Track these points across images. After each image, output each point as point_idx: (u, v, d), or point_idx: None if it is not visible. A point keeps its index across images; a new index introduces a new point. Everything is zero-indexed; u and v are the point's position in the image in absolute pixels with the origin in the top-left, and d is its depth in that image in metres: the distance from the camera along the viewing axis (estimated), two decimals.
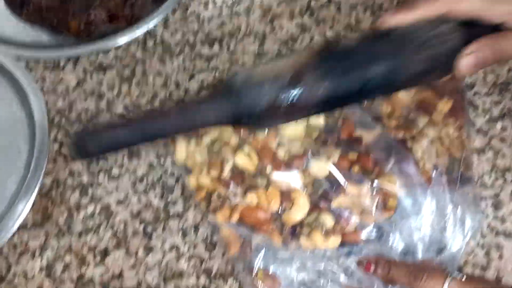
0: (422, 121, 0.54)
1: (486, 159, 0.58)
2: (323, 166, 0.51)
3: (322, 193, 0.51)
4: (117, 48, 0.64)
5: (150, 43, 0.64)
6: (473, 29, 0.46)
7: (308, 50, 0.45)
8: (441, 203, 0.51)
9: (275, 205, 0.50)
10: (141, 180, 0.57)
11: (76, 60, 0.64)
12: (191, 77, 0.63)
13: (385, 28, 0.46)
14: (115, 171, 0.58)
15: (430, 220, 0.51)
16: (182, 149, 0.54)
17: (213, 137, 0.53)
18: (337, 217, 0.50)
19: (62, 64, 0.63)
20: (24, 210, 0.54)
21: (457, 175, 0.52)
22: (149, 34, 0.65)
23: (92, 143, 0.42)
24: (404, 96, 0.56)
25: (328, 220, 0.50)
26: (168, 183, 0.57)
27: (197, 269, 0.53)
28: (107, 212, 0.56)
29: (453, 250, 0.51)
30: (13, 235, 0.54)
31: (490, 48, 0.44)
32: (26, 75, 0.61)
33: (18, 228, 0.54)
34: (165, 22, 0.65)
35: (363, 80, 0.44)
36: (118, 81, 0.62)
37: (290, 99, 0.42)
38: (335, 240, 0.50)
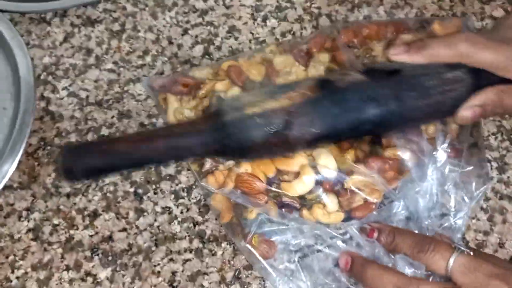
0: None
1: (492, 120, 0.56)
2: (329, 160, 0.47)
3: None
4: (106, 0, 0.60)
5: None
6: (483, 76, 0.44)
7: (303, 86, 0.43)
8: (446, 167, 0.49)
9: (269, 173, 0.47)
10: None
11: (63, 13, 0.60)
12: (185, 32, 0.59)
13: (395, 61, 0.44)
14: (105, 131, 0.55)
15: (435, 185, 0.49)
16: (175, 109, 0.51)
17: (206, 90, 0.51)
18: (343, 194, 0.47)
19: (48, 17, 0.60)
20: (9, 170, 0.52)
21: (465, 139, 0.50)
22: None
23: (77, 168, 0.39)
24: None
25: (331, 204, 0.47)
26: None
27: (190, 232, 0.51)
28: None
29: (458, 215, 0.49)
30: None
31: (494, 103, 0.44)
32: (11, 29, 0.57)
33: (4, 189, 0.52)
34: None
35: (356, 123, 0.42)
36: (107, 36, 0.59)
37: (280, 139, 0.41)
38: (338, 216, 0.47)
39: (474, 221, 0.52)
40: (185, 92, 0.52)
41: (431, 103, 0.43)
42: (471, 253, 0.43)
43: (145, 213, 0.52)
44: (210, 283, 0.50)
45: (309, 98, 0.42)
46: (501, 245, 0.51)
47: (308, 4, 0.60)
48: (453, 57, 0.43)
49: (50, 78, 0.57)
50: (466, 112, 0.44)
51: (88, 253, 0.51)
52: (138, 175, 0.53)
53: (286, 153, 0.45)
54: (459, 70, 0.44)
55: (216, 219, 0.51)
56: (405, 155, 0.47)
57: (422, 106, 0.43)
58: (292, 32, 0.59)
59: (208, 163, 0.48)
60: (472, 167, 0.50)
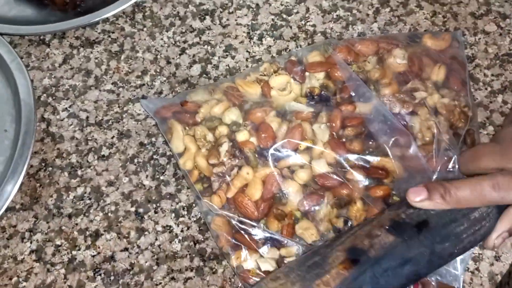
0: (419, 88, 0.53)
1: (486, 134, 0.56)
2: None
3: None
4: (105, 21, 0.61)
5: (138, 16, 0.62)
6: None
7: (334, 262, 0.41)
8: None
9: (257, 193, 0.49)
10: (132, 160, 0.55)
11: (62, 35, 0.61)
12: (182, 52, 0.60)
13: (416, 206, 0.43)
14: (105, 151, 0.56)
15: None
16: (179, 137, 0.52)
17: (203, 113, 0.52)
18: None
19: (47, 39, 0.61)
20: (12, 191, 0.53)
21: (459, 149, 0.51)
22: (138, 6, 0.62)
23: None
24: (396, 62, 0.54)
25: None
26: (160, 163, 0.55)
27: (190, 251, 0.52)
28: (97, 193, 0.54)
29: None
30: (1, 217, 0.53)
31: None
32: (11, 52, 0.58)
33: (6, 210, 0.53)
34: None
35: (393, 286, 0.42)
36: (106, 57, 0.60)
37: None
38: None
39: None
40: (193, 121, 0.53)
41: (465, 245, 0.43)
42: None
43: (146, 232, 0.52)
44: None
45: (346, 279, 0.40)
46: (497, 258, 0.52)
47: (303, 22, 0.61)
48: (481, 203, 0.43)
49: (50, 99, 0.58)
50: (496, 241, 0.44)
51: (90, 273, 0.51)
52: (138, 195, 0.54)
53: None
54: (483, 207, 0.44)
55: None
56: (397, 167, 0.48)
57: (456, 252, 0.43)
58: (288, 50, 0.60)
59: (217, 184, 0.49)
60: None
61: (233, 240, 0.49)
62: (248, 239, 0.48)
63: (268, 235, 0.48)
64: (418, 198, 0.43)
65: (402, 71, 0.54)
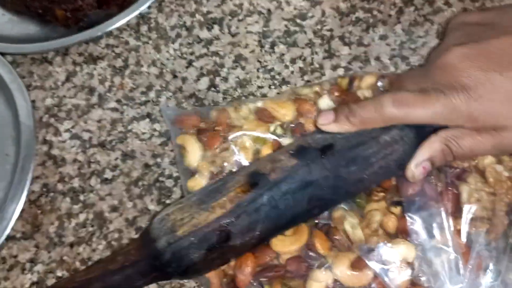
0: None
1: None
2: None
3: None
4: (108, 35, 0.58)
5: (143, 28, 0.58)
6: (421, 127, 0.41)
7: (233, 186, 0.39)
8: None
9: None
10: (136, 183, 0.52)
11: (65, 52, 0.58)
12: (189, 64, 0.56)
13: (324, 130, 0.42)
14: (108, 173, 0.52)
15: None
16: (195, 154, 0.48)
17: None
18: None
19: (50, 57, 0.58)
20: (12, 219, 0.50)
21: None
22: (142, 18, 0.59)
23: None
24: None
25: None
26: (166, 185, 0.51)
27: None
28: (100, 220, 0.51)
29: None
30: (1, 247, 0.50)
31: (443, 153, 0.41)
32: (12, 72, 0.56)
33: (7, 239, 0.50)
34: (160, 4, 0.59)
35: (301, 214, 0.40)
36: (110, 73, 0.57)
37: (222, 251, 0.38)
38: None
39: None
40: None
41: (375, 170, 0.40)
42: None
43: None
44: None
45: (242, 201, 0.38)
46: None
47: (319, 26, 0.56)
48: (384, 122, 0.41)
49: (52, 120, 0.55)
50: (416, 170, 0.41)
51: None
52: (143, 221, 0.50)
53: (233, 259, 0.42)
54: (395, 129, 0.41)
55: None
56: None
57: (366, 176, 0.40)
58: (302, 58, 0.55)
59: None
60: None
61: None
62: None
63: None
64: (325, 121, 0.41)
65: None
